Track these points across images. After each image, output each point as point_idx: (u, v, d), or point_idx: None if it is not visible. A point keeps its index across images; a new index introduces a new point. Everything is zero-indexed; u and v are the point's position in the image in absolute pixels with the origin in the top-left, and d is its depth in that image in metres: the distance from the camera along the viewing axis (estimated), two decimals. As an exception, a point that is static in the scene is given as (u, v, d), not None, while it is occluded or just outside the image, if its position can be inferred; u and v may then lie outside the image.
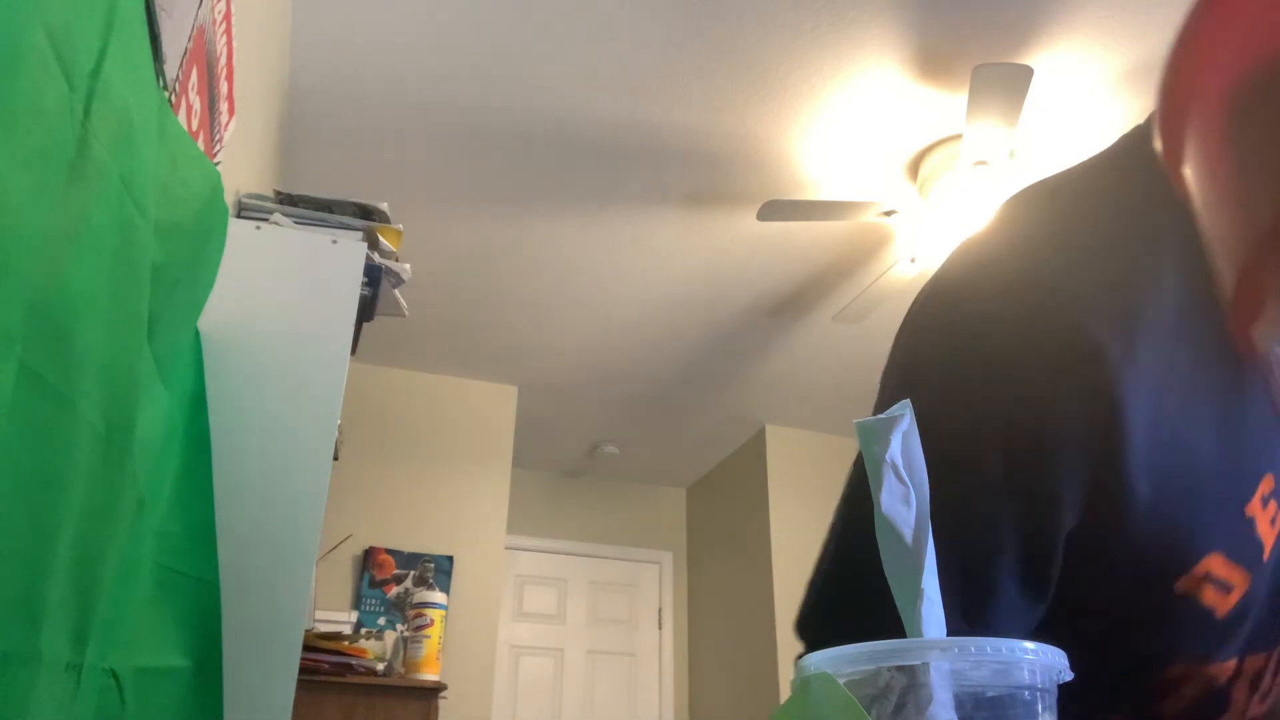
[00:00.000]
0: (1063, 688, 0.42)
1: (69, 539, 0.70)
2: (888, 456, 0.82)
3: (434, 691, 2.83)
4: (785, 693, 4.25)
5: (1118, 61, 2.33)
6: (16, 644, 0.62)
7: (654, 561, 5.28)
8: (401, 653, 3.09)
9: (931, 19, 2.23)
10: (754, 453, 4.64)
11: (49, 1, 0.59)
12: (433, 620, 3.04)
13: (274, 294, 1.39)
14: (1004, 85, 2.17)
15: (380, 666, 2.76)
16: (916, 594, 0.77)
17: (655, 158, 2.72)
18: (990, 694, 0.73)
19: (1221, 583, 0.52)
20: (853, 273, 3.29)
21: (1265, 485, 0.53)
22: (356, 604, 3.63)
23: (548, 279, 3.38)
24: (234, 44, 1.40)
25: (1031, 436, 0.50)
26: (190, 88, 1.13)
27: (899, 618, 0.43)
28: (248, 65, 1.68)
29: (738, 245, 3.14)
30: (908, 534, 0.78)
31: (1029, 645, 0.65)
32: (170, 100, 1.01)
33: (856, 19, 2.23)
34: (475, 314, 3.64)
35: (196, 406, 1.21)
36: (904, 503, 0.79)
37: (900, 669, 0.70)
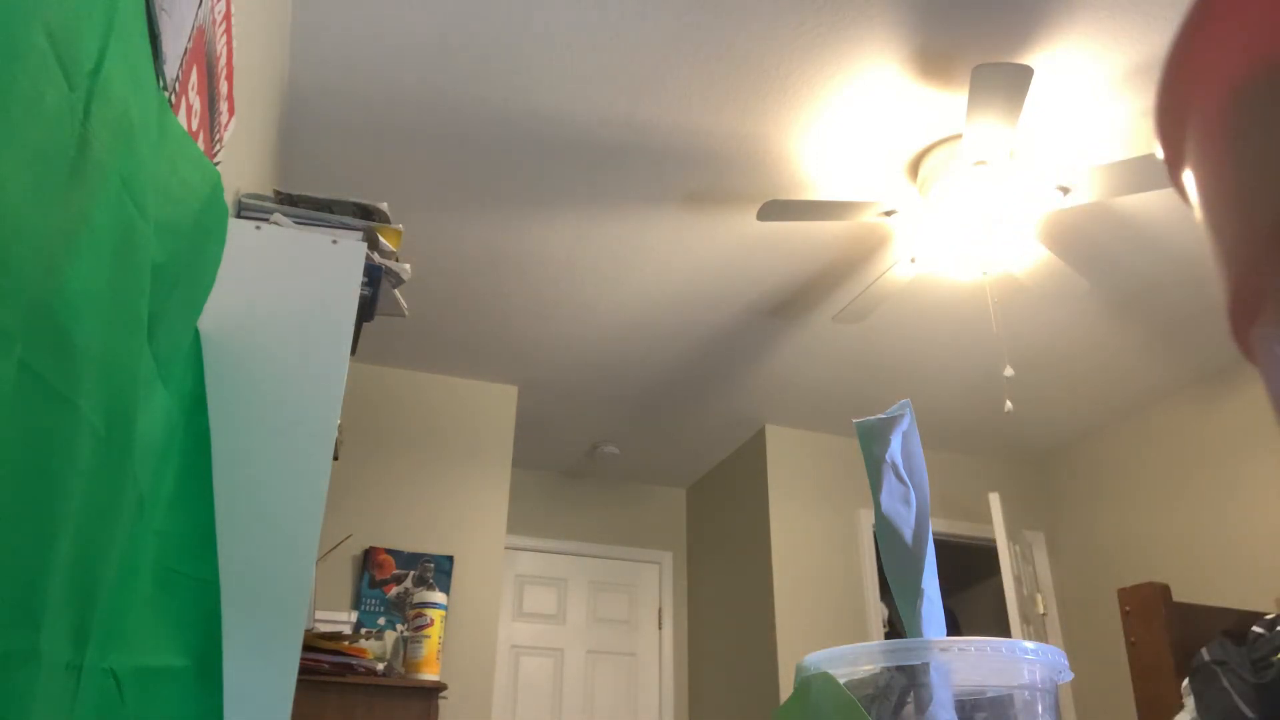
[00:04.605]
0: None
1: (69, 539, 0.70)
2: (888, 456, 0.82)
3: (434, 691, 2.83)
4: (785, 693, 4.25)
5: (1118, 61, 2.33)
6: (16, 644, 0.62)
7: (654, 561, 5.28)
8: (401, 653, 3.09)
9: (931, 19, 2.23)
10: (754, 453, 4.64)
11: (49, 1, 0.59)
12: (433, 620, 3.04)
13: (274, 294, 1.39)
14: (1004, 85, 2.17)
15: (380, 666, 2.76)
16: (917, 594, 0.77)
17: (655, 158, 2.72)
18: (990, 694, 0.73)
19: None
20: (853, 273, 3.29)
21: None
22: (356, 604, 3.63)
23: (548, 279, 3.38)
24: (234, 44, 1.40)
25: None
26: (190, 88, 1.13)
27: None
28: (248, 65, 1.68)
29: (738, 245, 3.14)
30: (908, 534, 0.78)
31: (1029, 645, 0.65)
32: (170, 100, 1.01)
33: (856, 19, 2.23)
34: (475, 314, 3.64)
35: (196, 406, 1.21)
36: (904, 503, 0.79)
37: (900, 669, 0.70)
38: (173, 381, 1.08)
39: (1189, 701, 2.05)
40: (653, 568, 5.27)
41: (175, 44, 0.99)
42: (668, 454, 5.01)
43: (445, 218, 3.04)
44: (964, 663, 0.70)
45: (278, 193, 1.78)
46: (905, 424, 0.82)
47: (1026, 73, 2.13)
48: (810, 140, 2.63)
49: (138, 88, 0.79)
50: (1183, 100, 0.30)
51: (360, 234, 1.63)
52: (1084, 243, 3.05)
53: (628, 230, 3.08)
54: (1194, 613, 2.24)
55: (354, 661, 2.70)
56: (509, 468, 4.09)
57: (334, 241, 1.48)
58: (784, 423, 4.55)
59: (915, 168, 2.71)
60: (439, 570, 3.76)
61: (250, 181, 1.95)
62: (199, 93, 1.19)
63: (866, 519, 4.55)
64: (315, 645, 2.67)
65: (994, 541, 4.05)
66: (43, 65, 0.59)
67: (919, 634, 0.74)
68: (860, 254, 3.18)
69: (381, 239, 1.70)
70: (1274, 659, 1.95)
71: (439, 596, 3.11)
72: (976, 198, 2.54)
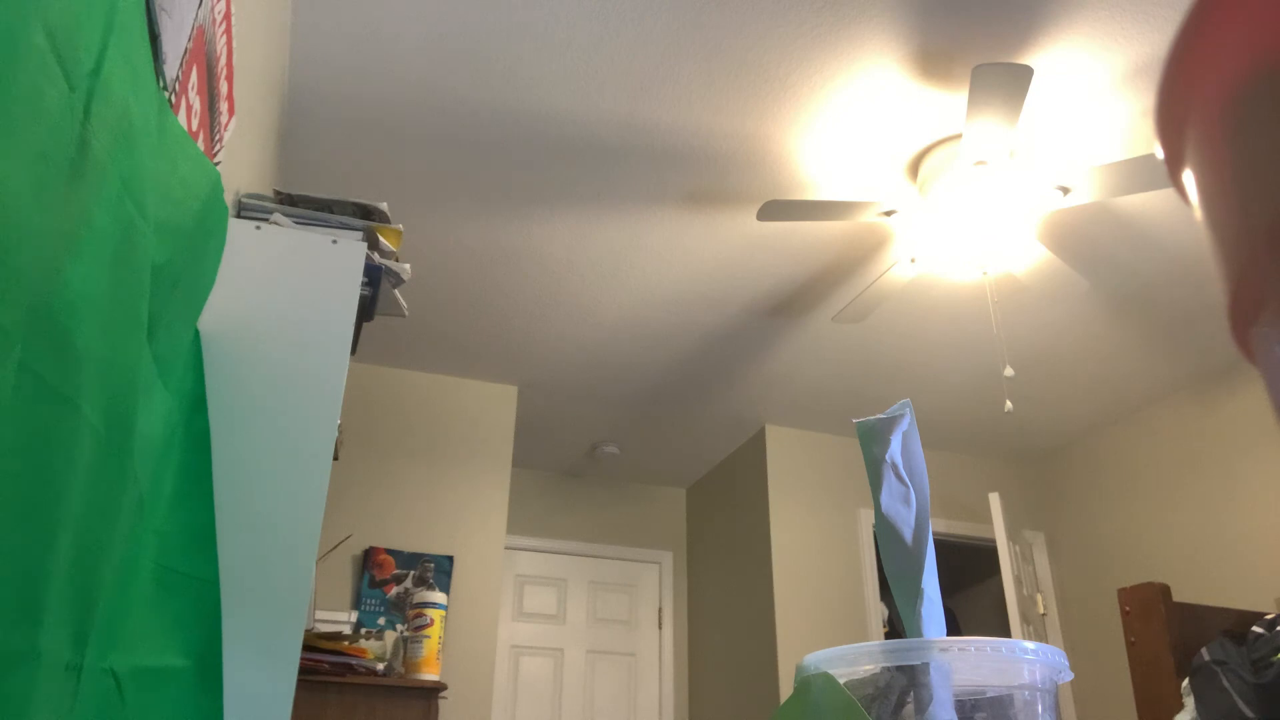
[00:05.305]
0: None
1: (69, 539, 0.70)
2: (888, 456, 0.82)
3: (434, 691, 2.83)
4: (785, 693, 4.24)
5: (1118, 61, 2.33)
6: (16, 644, 0.62)
7: (654, 561, 5.28)
8: (401, 653, 3.09)
9: (931, 19, 2.23)
10: (754, 453, 4.64)
11: (49, 1, 0.59)
12: (433, 620, 3.04)
13: (274, 294, 1.39)
14: (1004, 85, 2.17)
15: (380, 666, 2.76)
16: (916, 594, 0.78)
17: (655, 158, 2.72)
18: (990, 694, 0.73)
19: None
20: (853, 273, 3.29)
21: None
22: (356, 604, 3.63)
23: (548, 279, 3.38)
24: (234, 44, 1.40)
25: None
26: (190, 88, 1.13)
27: None
28: (248, 65, 1.68)
29: (738, 245, 3.14)
30: (908, 534, 0.78)
31: (1029, 645, 0.65)
32: (170, 100, 1.01)
33: (857, 19, 2.23)
34: (475, 314, 3.64)
35: (196, 406, 1.21)
36: (904, 503, 0.79)
37: (900, 669, 0.70)
38: (173, 381, 1.08)
39: (1189, 701, 2.05)
40: (653, 568, 5.27)
41: (175, 44, 0.99)
42: (668, 454, 5.01)
43: (445, 218, 3.04)
44: (964, 663, 0.70)
45: (278, 193, 1.78)
46: (905, 424, 0.82)
47: (1026, 73, 2.13)
48: (810, 140, 2.63)
49: (138, 88, 0.79)
50: (1183, 100, 0.30)
51: (360, 234, 1.63)
52: (1084, 243, 3.05)
53: (628, 230, 3.08)
54: (1194, 613, 2.24)
55: (354, 661, 2.70)
56: (509, 468, 4.09)
57: (334, 241, 1.48)
58: (784, 423, 4.55)
59: (915, 168, 2.71)
60: (439, 570, 3.76)
61: (250, 181, 1.95)
62: (199, 93, 1.19)
63: (866, 519, 4.55)
64: (315, 645, 2.67)
65: (994, 541, 4.05)
66: (43, 65, 0.58)
67: (919, 634, 0.74)
68: (860, 254, 3.18)
69: (381, 239, 1.70)
70: (1274, 659, 1.95)
71: (439, 596, 3.11)
72: (976, 198, 2.54)
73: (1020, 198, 2.56)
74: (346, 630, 3.28)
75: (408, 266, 1.76)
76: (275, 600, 1.19)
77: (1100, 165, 2.46)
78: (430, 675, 2.94)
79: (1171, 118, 0.31)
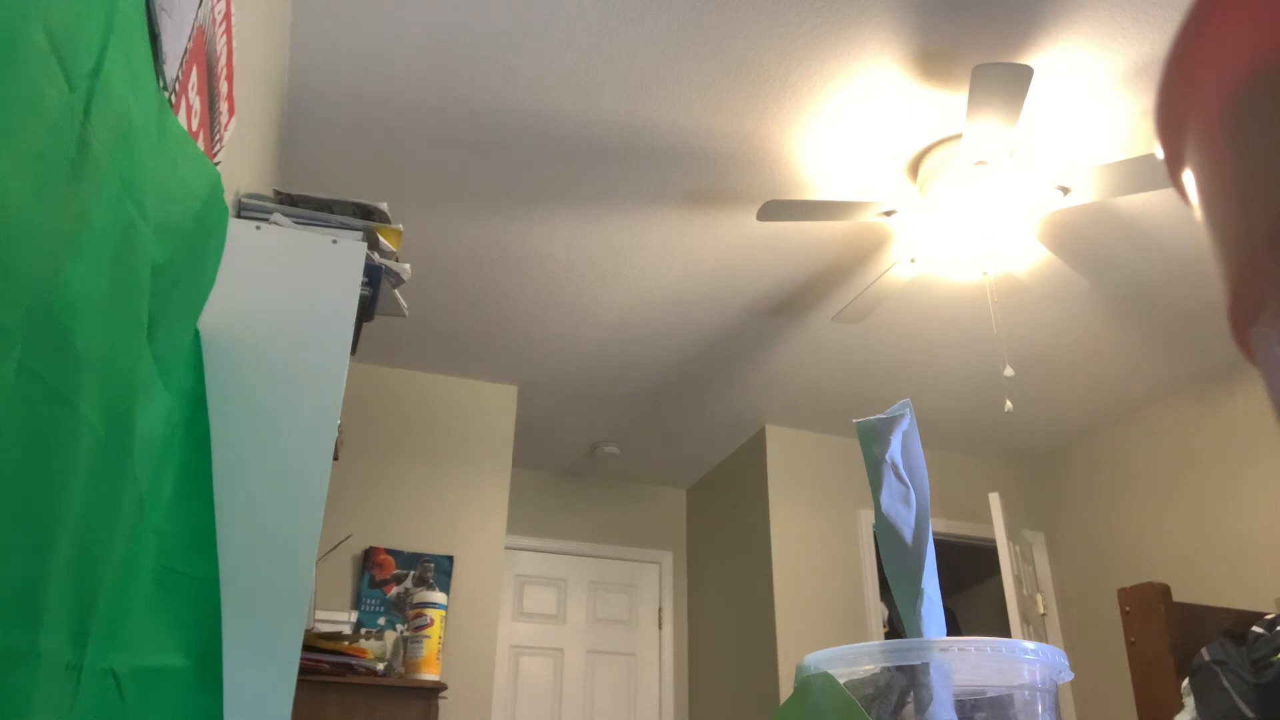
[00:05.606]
0: None
1: (69, 539, 0.70)
2: (888, 456, 0.82)
3: (434, 691, 2.83)
4: (785, 693, 4.24)
5: (1118, 61, 2.33)
6: (16, 643, 0.62)
7: (654, 561, 5.28)
8: (401, 653, 3.09)
9: (931, 19, 2.23)
10: (754, 453, 4.64)
11: (49, 1, 0.59)
12: (433, 620, 3.04)
13: (274, 294, 1.39)
14: (1004, 85, 2.17)
15: (380, 666, 2.76)
16: (916, 594, 0.77)
17: (655, 158, 2.72)
18: (990, 694, 0.73)
19: None
20: (853, 273, 3.29)
21: None
22: (356, 604, 3.63)
23: (548, 279, 3.38)
24: (234, 44, 1.40)
25: None
26: (190, 88, 1.13)
27: None
28: (248, 65, 1.68)
29: (738, 245, 3.14)
30: (908, 534, 0.78)
31: (1029, 645, 0.65)
32: (170, 100, 1.01)
33: (857, 19, 2.23)
34: (475, 314, 3.64)
35: (196, 406, 1.21)
36: (904, 503, 0.79)
37: (900, 669, 0.70)
38: (173, 381, 1.08)
39: (1189, 701, 2.05)
40: (653, 568, 5.27)
41: (175, 44, 0.99)
42: (668, 454, 5.01)
43: (445, 218, 3.04)
44: (964, 663, 0.70)
45: (278, 193, 1.78)
46: (905, 424, 0.82)
47: (1026, 73, 2.13)
48: (810, 140, 2.63)
49: (138, 88, 0.79)
50: (1183, 100, 0.30)
51: (360, 234, 1.63)
52: (1084, 243, 3.05)
53: (627, 230, 3.08)
54: (1194, 613, 2.24)
55: (354, 661, 2.70)
56: (509, 468, 4.09)
57: (334, 241, 1.48)
58: (784, 423, 4.55)
59: (915, 168, 2.71)
60: (439, 570, 3.76)
61: (250, 181, 1.95)
62: (199, 93, 1.19)
63: (866, 519, 4.55)
64: (315, 645, 2.67)
65: (994, 541, 4.05)
66: (43, 65, 0.59)
67: (919, 634, 0.74)
68: (860, 254, 3.18)
69: (381, 239, 1.70)
70: (1274, 659, 1.95)
71: (439, 596, 3.11)
72: (976, 198, 2.54)
73: (1020, 198, 2.56)
74: (346, 630, 3.28)
75: (408, 266, 1.76)
76: (275, 600, 1.20)
77: (1100, 165, 2.46)
78: (430, 675, 2.94)
79: (1171, 118, 0.31)
